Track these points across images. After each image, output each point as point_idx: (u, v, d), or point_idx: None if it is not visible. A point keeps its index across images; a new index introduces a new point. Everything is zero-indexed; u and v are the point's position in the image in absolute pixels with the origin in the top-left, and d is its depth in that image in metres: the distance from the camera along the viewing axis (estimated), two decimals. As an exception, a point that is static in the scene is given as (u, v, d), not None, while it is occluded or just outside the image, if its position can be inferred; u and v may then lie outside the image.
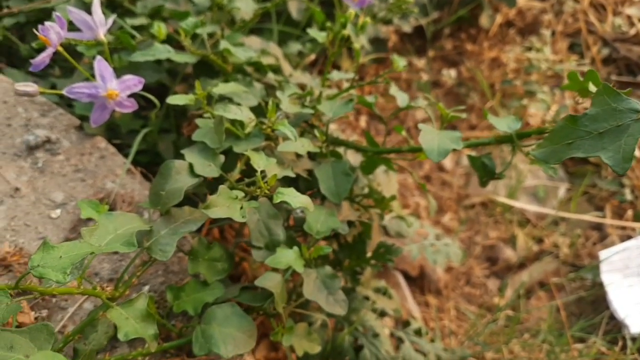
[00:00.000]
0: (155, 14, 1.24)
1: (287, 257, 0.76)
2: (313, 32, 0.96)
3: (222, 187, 0.71)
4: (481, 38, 2.06)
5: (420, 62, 1.84)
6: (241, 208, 0.70)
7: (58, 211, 0.92)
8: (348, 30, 0.88)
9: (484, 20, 1.99)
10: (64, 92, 0.84)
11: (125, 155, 1.09)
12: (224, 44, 0.97)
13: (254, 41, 1.19)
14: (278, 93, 0.88)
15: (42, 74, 1.28)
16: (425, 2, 1.88)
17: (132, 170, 0.98)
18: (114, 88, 0.85)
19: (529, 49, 1.92)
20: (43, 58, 0.86)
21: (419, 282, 1.48)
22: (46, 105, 1.07)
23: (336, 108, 0.90)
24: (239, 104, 0.94)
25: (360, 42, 0.92)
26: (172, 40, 1.16)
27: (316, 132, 0.88)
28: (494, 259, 1.59)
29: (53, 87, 1.24)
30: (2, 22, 1.30)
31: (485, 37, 2.06)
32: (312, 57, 1.49)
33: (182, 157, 1.25)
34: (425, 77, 1.82)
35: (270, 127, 0.80)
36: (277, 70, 1.17)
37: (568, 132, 0.61)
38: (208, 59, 1.01)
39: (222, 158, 0.78)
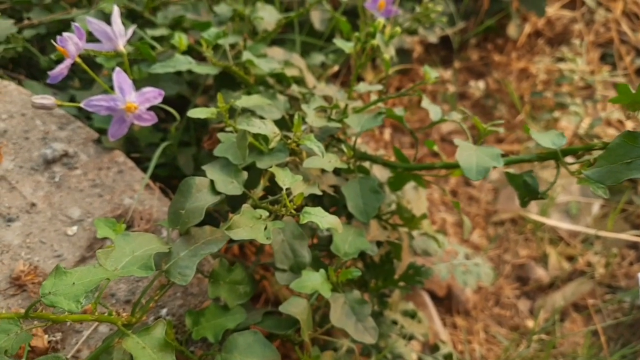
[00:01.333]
0: (176, 24, 1.21)
1: (314, 281, 0.71)
2: (339, 42, 0.91)
3: (245, 207, 0.67)
4: (509, 48, 2.00)
5: (447, 74, 1.79)
6: (265, 228, 0.66)
7: (74, 228, 0.88)
8: (377, 40, 0.84)
9: (512, 30, 1.93)
10: (82, 104, 0.80)
11: (144, 170, 1.05)
12: (246, 55, 0.93)
13: (277, 52, 1.15)
14: (303, 106, 0.83)
15: (61, 86, 1.26)
16: (451, 11, 1.83)
17: (151, 186, 0.94)
18: (133, 101, 0.82)
19: (560, 59, 1.85)
20: (61, 70, 0.83)
21: (447, 302, 1.41)
22: (64, 118, 1.04)
23: (364, 122, 0.85)
24: (262, 118, 0.90)
25: (390, 52, 0.87)
26: (192, 51, 1.13)
27: (344, 147, 0.84)
28: (525, 279, 1.52)
29: (72, 99, 1.22)
30: (22, 34, 1.28)
31: (513, 47, 2.00)
32: (336, 68, 1.45)
33: (202, 171, 1.22)
34: (451, 88, 1.76)
35: (296, 142, 0.76)
36: (300, 81, 1.13)
37: (626, 151, 0.55)
38: (230, 70, 0.97)
39: (245, 175, 0.74)
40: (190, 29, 1.25)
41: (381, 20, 0.89)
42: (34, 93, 1.19)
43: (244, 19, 1.24)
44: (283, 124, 0.98)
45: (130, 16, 1.32)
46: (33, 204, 0.90)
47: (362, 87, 0.98)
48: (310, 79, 1.15)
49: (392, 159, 1.60)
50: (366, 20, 1.42)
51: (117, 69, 0.81)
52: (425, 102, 0.85)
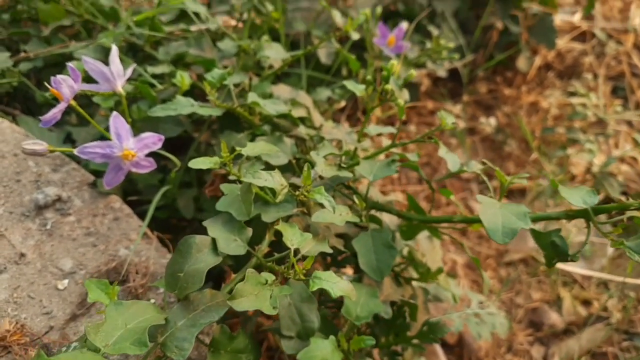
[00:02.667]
0: (178, 60, 1.17)
1: (323, 350, 0.65)
2: (350, 84, 0.86)
3: (250, 272, 0.61)
4: (518, 81, 1.96)
5: (456, 108, 1.74)
6: (271, 296, 0.60)
7: (65, 282, 0.82)
8: (391, 85, 0.79)
9: (521, 63, 1.89)
10: (75, 152, 0.75)
11: (142, 214, 1.00)
12: (251, 97, 0.88)
13: (283, 90, 1.11)
14: (312, 154, 0.78)
15: (58, 121, 1.21)
16: (460, 43, 1.79)
17: (148, 235, 0.89)
18: (131, 148, 0.77)
19: (572, 94, 1.81)
20: (54, 114, 0.78)
21: (458, 350, 1.34)
22: (58, 159, 0.99)
23: (377, 170, 0.80)
24: (268, 164, 0.84)
25: (404, 96, 0.82)
26: (195, 88, 1.09)
27: (355, 199, 0.78)
28: (538, 324, 1.45)
29: (68, 136, 1.17)
30: (18, 67, 1.23)
31: (523, 80, 1.96)
32: (342, 104, 1.40)
33: (202, 213, 1.16)
34: (461, 124, 1.71)
35: (305, 194, 0.70)
36: (306, 120, 1.08)
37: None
38: (234, 111, 0.92)
39: (249, 232, 0.68)
40: (193, 64, 1.20)
41: (394, 62, 0.85)
42: (29, 130, 1.14)
43: (248, 53, 1.20)
44: (290, 167, 0.93)
45: (130, 50, 1.27)
46: (22, 254, 0.84)
47: (373, 129, 0.93)
48: (317, 118, 1.10)
49: (400, 196, 1.54)
50: (374, 55, 1.38)
51: (114, 113, 0.76)
52: (442, 151, 0.80)
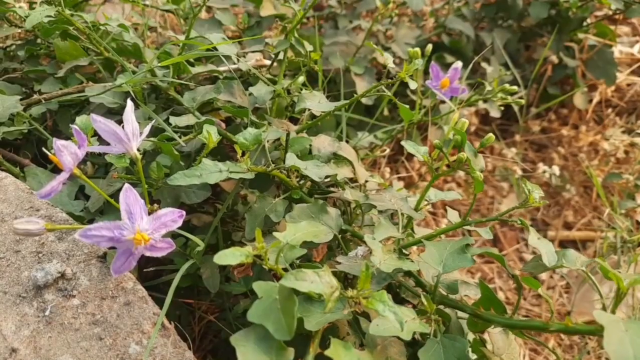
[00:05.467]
0: (205, 105, 1.04)
1: None
2: (410, 146, 0.71)
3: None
4: (574, 119, 1.79)
5: (510, 151, 1.57)
6: None
7: (63, 386, 0.68)
8: (468, 153, 0.63)
9: (578, 99, 1.71)
10: (76, 236, 0.61)
11: (159, 290, 0.86)
12: (291, 160, 0.74)
13: (323, 141, 0.96)
14: (368, 239, 0.63)
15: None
16: (511, 78, 1.63)
17: (166, 325, 0.74)
18: (145, 229, 0.63)
19: (638, 133, 1.63)
20: (52, 188, 0.64)
21: None
22: (65, 224, 0.85)
23: (447, 258, 0.64)
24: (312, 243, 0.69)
25: (480, 164, 0.66)
26: (222, 139, 0.95)
27: (423, 299, 0.62)
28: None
29: (82, 189, 1.04)
30: (29, 111, 1.11)
31: (579, 118, 1.78)
32: (386, 151, 1.25)
33: (228, 282, 1.01)
34: (518, 170, 1.54)
35: (362, 301, 0.54)
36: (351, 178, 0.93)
37: None
38: (270, 174, 0.78)
39: (290, 354, 0.52)
40: (219, 109, 1.07)
41: (466, 122, 0.69)
42: (36, 184, 1.01)
43: (283, 97, 1.06)
44: (333, 242, 0.78)
45: (153, 92, 1.15)
46: (14, 350, 0.70)
47: (435, 195, 0.78)
48: (361, 173, 0.95)
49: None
50: (422, 97, 1.22)
51: (126, 186, 0.62)
52: (533, 239, 0.63)
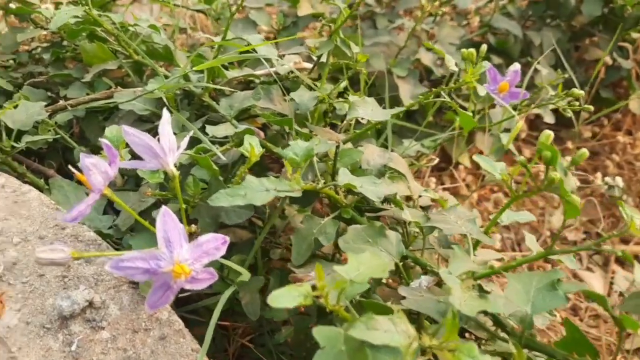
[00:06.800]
0: (242, 112, 0.95)
1: None
2: (485, 162, 0.62)
3: None
4: (627, 123, 1.67)
5: (564, 160, 1.45)
6: None
7: None
8: (560, 173, 0.54)
9: (634, 104, 1.59)
10: (107, 268, 0.53)
11: (196, 321, 0.78)
12: (344, 177, 0.65)
13: (372, 152, 0.87)
14: (444, 274, 0.53)
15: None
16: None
17: (204, 363, 0.66)
18: (185, 259, 0.54)
19: None
20: (80, 211, 0.56)
21: None
22: (93, 244, 0.78)
23: (536, 296, 0.54)
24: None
25: (572, 185, 0.57)
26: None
27: (511, 347, 0.53)
28: None
29: (111, 204, 0.96)
30: (54, 118, 1.05)
31: (633, 123, 1.67)
32: (435, 160, 1.16)
33: (269, 308, 0.93)
34: (575, 182, 1.43)
35: (444, 356, 0.45)
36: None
37: None
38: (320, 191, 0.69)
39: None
40: (257, 115, 0.99)
41: (550, 133, 0.60)
42: (62, 198, 0.94)
43: (325, 102, 0.97)
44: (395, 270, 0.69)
45: (185, 98, 1.07)
46: (36, 390, 0.62)
47: (509, 216, 0.68)
48: (415, 187, 0.85)
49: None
50: (476, 100, 1.13)
51: (163, 209, 0.54)
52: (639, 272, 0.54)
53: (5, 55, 1.31)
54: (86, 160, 0.54)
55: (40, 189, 0.96)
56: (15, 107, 1.00)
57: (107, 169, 0.56)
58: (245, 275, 0.65)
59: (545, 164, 0.55)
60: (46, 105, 1.07)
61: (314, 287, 0.48)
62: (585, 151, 0.58)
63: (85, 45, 1.13)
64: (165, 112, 0.62)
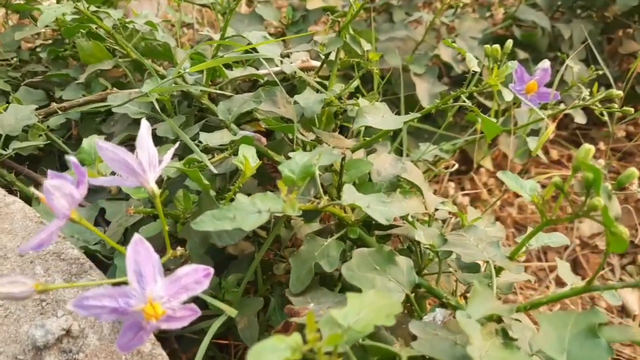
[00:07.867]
0: (243, 115, 0.88)
1: None
2: (511, 180, 0.53)
3: None
4: (664, 122, 1.55)
5: (597, 163, 1.35)
6: None
7: None
8: (603, 198, 0.45)
9: (671, 100, 1.48)
10: (69, 307, 0.46)
11: (182, 349, 0.71)
12: (349, 196, 0.57)
13: (384, 161, 0.79)
14: (461, 318, 0.45)
15: (94, 189, 0.94)
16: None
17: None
18: (159, 297, 0.47)
19: None
20: (42, 240, 0.49)
21: None
22: (75, 264, 0.71)
23: (572, 344, 0.46)
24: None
25: (616, 209, 0.48)
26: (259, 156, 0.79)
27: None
28: None
29: (102, 212, 0.90)
30: (46, 121, 0.98)
31: (671, 121, 1.55)
32: (454, 166, 1.07)
33: (269, 334, 0.85)
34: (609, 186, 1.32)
35: None
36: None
37: None
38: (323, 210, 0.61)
39: None
40: (256, 120, 0.91)
41: (590, 147, 0.51)
42: (48, 210, 0.88)
43: (334, 104, 0.89)
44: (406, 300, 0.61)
45: (185, 99, 1.00)
46: None
47: (535, 242, 0.60)
48: (430, 199, 0.77)
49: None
50: (500, 101, 1.03)
51: (135, 239, 0.47)
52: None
53: (8, 53, 1.25)
54: (48, 182, 0.47)
55: (29, 199, 0.90)
56: (6, 109, 0.94)
57: (73, 191, 0.49)
58: (232, 313, 0.57)
59: (586, 188, 0.46)
60: (40, 108, 1.01)
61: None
62: (634, 171, 0.48)
63: (81, 44, 1.07)
64: (143, 123, 0.54)
